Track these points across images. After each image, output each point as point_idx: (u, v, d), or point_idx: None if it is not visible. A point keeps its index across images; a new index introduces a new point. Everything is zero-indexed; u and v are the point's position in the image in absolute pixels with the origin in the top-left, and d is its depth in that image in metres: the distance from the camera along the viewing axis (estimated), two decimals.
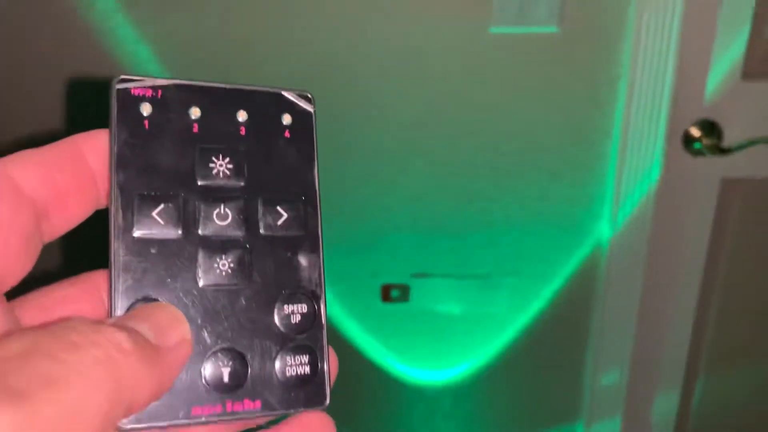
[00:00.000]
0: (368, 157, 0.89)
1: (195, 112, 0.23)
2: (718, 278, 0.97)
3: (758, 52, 0.84)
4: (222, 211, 0.23)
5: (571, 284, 0.97)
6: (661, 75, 0.84)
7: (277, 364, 0.22)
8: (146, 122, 0.22)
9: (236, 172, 0.23)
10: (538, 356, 1.03)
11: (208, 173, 0.23)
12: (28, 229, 0.20)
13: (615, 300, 0.97)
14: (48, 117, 0.87)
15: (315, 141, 0.25)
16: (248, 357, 0.22)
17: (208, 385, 0.21)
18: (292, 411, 0.23)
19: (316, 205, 0.24)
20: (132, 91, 0.22)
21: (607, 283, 0.96)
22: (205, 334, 0.22)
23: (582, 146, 0.89)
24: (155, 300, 0.21)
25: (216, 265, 0.22)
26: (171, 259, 0.22)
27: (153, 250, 0.22)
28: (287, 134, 0.24)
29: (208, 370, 0.21)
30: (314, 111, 0.25)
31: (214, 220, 0.23)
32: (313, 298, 0.24)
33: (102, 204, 0.22)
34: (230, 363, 0.22)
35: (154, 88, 0.22)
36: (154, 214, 0.22)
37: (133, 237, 0.21)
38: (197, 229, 0.22)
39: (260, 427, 0.23)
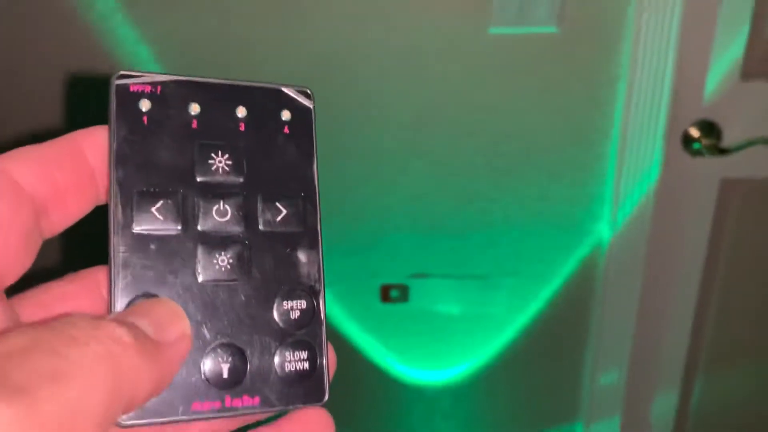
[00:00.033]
0: (368, 157, 0.89)
1: (194, 108, 0.23)
2: (717, 278, 0.97)
3: (757, 53, 0.85)
4: (221, 207, 0.23)
5: (570, 284, 0.97)
6: (660, 75, 0.84)
7: (276, 360, 0.22)
8: (145, 118, 0.22)
9: (235, 168, 0.23)
10: (538, 356, 1.03)
11: (207, 169, 0.23)
12: (27, 226, 0.20)
13: (614, 300, 0.97)
14: (48, 115, 0.87)
15: (314, 137, 0.25)
16: (247, 353, 0.22)
17: (207, 380, 0.21)
18: (290, 407, 0.23)
19: (316, 202, 0.24)
20: (131, 87, 0.22)
21: (607, 283, 0.96)
22: (205, 330, 0.22)
23: (581, 146, 0.89)
24: (155, 296, 0.21)
25: (215, 261, 0.22)
26: (170, 255, 0.22)
27: (152, 246, 0.22)
28: (286, 130, 0.24)
29: (207, 365, 0.21)
30: (313, 107, 0.25)
31: (213, 216, 0.23)
32: (312, 294, 0.24)
33: (101, 200, 0.22)
34: (229, 359, 0.22)
35: (154, 84, 0.22)
36: (153, 210, 0.22)
37: (133, 233, 0.22)
38: (196, 225, 0.22)
39: (259, 423, 0.23)
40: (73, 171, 0.21)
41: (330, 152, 0.85)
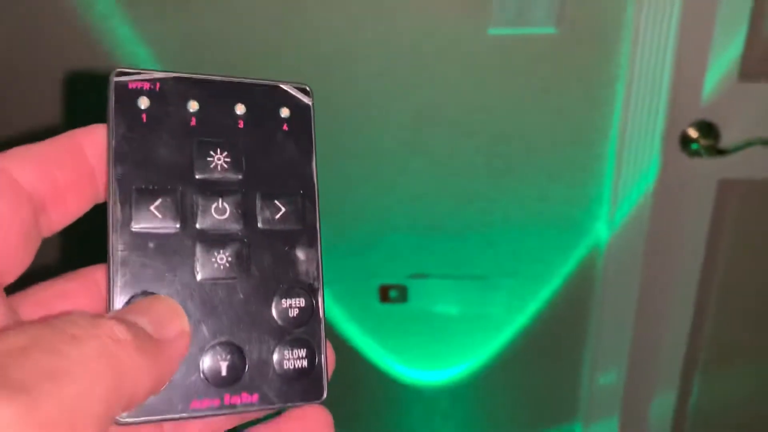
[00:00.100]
0: (367, 157, 0.89)
1: (193, 106, 0.23)
2: (715, 278, 0.97)
3: (756, 53, 0.85)
4: (220, 204, 0.23)
5: (568, 285, 0.97)
6: (658, 76, 0.84)
7: (275, 358, 0.22)
8: (144, 116, 0.22)
9: (234, 165, 0.23)
10: (536, 356, 1.03)
11: (206, 167, 0.23)
12: (26, 225, 0.20)
13: (612, 300, 0.97)
14: (47, 114, 0.87)
15: (313, 134, 0.25)
16: (246, 350, 0.22)
17: (206, 378, 0.21)
18: (289, 404, 0.23)
19: (314, 199, 0.24)
20: (129, 85, 0.22)
21: (605, 284, 0.96)
22: (203, 328, 0.22)
23: (580, 147, 0.89)
24: (153, 294, 0.21)
25: (214, 259, 0.22)
26: (169, 253, 0.22)
27: (151, 244, 0.22)
28: (285, 127, 0.24)
29: (206, 363, 0.21)
30: (312, 104, 0.25)
31: (212, 214, 0.23)
32: (310, 291, 0.24)
33: (101, 198, 0.22)
34: (228, 356, 0.22)
35: (152, 81, 0.22)
36: (152, 208, 0.22)
37: (131, 231, 0.21)
38: (195, 222, 0.22)
39: (258, 420, 0.23)
40: (73, 169, 0.21)
41: (329, 152, 0.85)
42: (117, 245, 0.21)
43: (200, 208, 0.23)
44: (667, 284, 0.97)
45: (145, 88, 0.22)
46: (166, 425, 0.22)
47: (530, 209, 0.92)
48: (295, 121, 0.24)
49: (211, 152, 0.23)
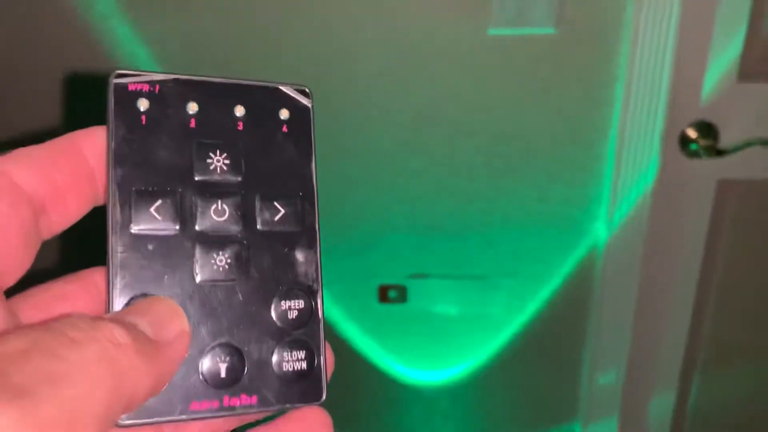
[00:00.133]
0: (366, 157, 0.89)
1: (192, 107, 0.23)
2: (714, 279, 0.97)
3: (755, 54, 0.85)
4: (219, 206, 0.23)
5: (567, 285, 0.97)
6: (657, 76, 0.84)
7: (274, 359, 0.23)
8: (143, 117, 0.22)
9: (233, 167, 0.23)
10: (536, 356, 1.03)
11: (205, 168, 0.23)
12: (26, 227, 0.20)
13: (612, 300, 0.97)
14: (47, 115, 0.87)
15: (313, 136, 0.25)
16: (245, 352, 0.22)
17: (205, 380, 0.21)
18: (288, 406, 0.23)
19: (314, 201, 0.24)
20: (129, 87, 0.22)
21: (604, 284, 0.96)
22: (203, 330, 0.22)
23: (579, 147, 0.89)
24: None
25: (213, 261, 0.22)
26: (168, 255, 0.22)
27: (150, 246, 0.22)
28: (285, 129, 0.24)
29: (205, 365, 0.21)
30: (312, 106, 0.25)
31: (211, 216, 0.23)
32: (309, 293, 0.24)
33: (101, 200, 0.22)
34: (227, 358, 0.22)
35: (152, 83, 0.22)
36: (151, 209, 0.22)
37: (131, 233, 0.21)
38: (194, 224, 0.22)
39: (257, 422, 0.23)
40: (72, 171, 0.21)
41: (329, 152, 0.85)
42: (116, 247, 0.21)
43: (199, 209, 0.23)
44: (666, 284, 0.97)
45: (144, 90, 0.22)
46: (166, 427, 0.22)
47: (530, 209, 0.92)
48: (295, 122, 0.24)
49: (211, 154, 0.23)
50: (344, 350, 1.00)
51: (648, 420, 1.07)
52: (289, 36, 0.82)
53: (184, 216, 0.22)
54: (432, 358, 1.03)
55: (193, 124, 0.23)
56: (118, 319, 0.18)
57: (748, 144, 0.85)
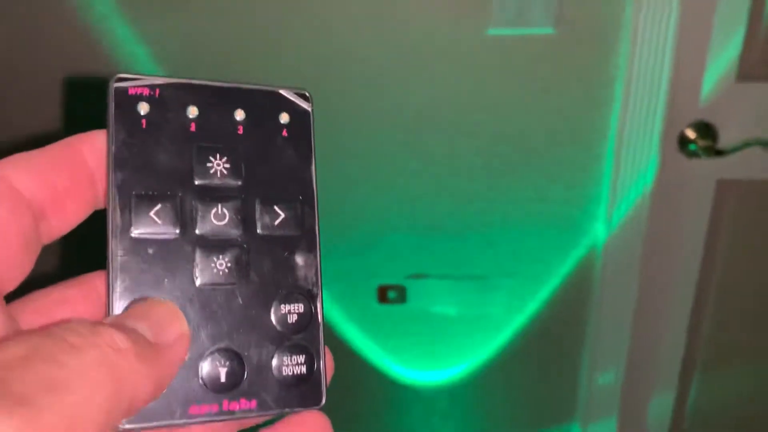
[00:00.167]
0: (366, 158, 0.89)
1: (192, 111, 0.23)
2: (713, 279, 0.98)
3: (754, 54, 0.85)
4: (219, 210, 0.23)
5: (567, 285, 0.97)
6: (657, 77, 0.84)
7: (274, 364, 0.23)
8: (144, 121, 0.22)
9: (234, 171, 0.23)
10: (535, 357, 1.03)
11: (205, 172, 0.23)
12: (26, 232, 0.20)
13: (611, 300, 0.97)
14: (47, 116, 0.87)
15: (312, 140, 0.25)
16: (245, 356, 0.22)
17: (205, 384, 0.21)
18: (288, 410, 0.23)
19: (314, 205, 0.24)
20: (129, 91, 0.22)
21: (603, 284, 0.96)
22: (202, 334, 0.22)
23: (578, 147, 0.89)
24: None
25: (213, 265, 0.22)
26: (168, 259, 0.22)
27: (150, 250, 0.22)
28: (285, 133, 0.24)
29: (205, 369, 0.21)
30: (312, 110, 0.25)
31: (211, 220, 0.23)
32: (309, 297, 0.24)
33: (101, 204, 0.22)
34: (227, 362, 0.22)
35: (152, 87, 0.22)
36: (151, 213, 0.22)
37: (131, 237, 0.21)
38: (194, 228, 0.22)
39: (257, 426, 0.23)
40: (72, 175, 0.21)
41: (328, 152, 0.85)
42: (116, 251, 0.21)
43: (200, 213, 0.23)
44: (665, 284, 0.97)
45: (144, 94, 0.22)
46: (165, 431, 0.22)
47: (529, 209, 0.92)
48: (295, 126, 0.24)
49: (211, 158, 0.23)
50: (343, 350, 1.00)
51: (647, 420, 1.07)
52: (289, 36, 0.82)
53: (184, 220, 0.22)
54: (431, 358, 1.03)
55: (193, 128, 0.23)
56: (118, 324, 0.18)
57: (747, 144, 0.85)
